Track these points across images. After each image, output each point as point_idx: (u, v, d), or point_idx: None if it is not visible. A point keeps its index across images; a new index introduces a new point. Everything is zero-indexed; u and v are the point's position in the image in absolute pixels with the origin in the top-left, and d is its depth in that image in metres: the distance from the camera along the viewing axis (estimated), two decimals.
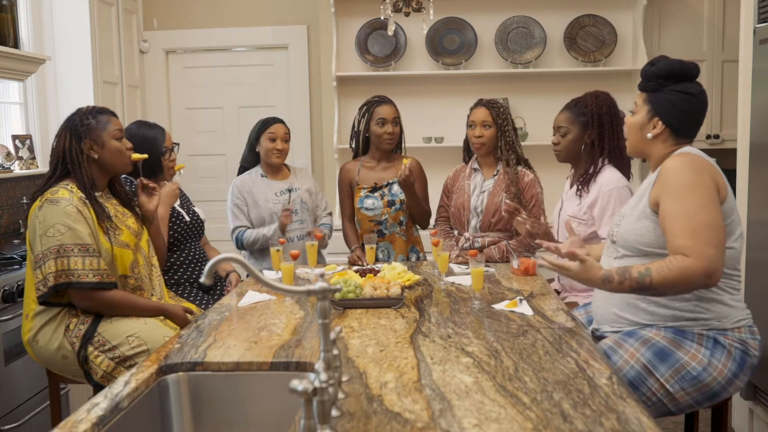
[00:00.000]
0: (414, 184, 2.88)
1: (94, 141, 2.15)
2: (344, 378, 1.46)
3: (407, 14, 2.66)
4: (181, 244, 2.70)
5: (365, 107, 3.04)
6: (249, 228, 3.11)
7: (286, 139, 3.15)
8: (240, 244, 3.09)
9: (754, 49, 2.66)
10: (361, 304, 2.09)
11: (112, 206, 2.23)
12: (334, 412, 1.27)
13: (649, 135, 1.91)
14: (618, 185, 2.47)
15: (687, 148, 1.88)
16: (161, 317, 2.17)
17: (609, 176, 2.51)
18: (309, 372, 1.60)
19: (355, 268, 2.65)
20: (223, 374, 1.62)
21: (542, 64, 4.40)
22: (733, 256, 1.83)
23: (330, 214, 3.35)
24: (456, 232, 3.02)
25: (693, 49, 4.29)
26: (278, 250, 2.63)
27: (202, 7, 4.86)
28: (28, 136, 3.72)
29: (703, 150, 1.94)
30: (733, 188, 1.92)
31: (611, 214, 2.43)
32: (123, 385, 1.48)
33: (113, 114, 2.24)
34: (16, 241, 3.32)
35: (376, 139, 3.01)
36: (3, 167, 3.47)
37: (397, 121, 3.01)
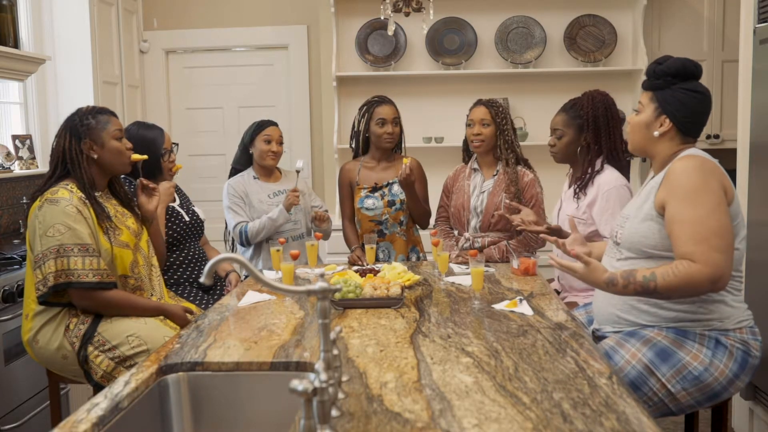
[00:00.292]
0: (414, 184, 2.88)
1: (94, 141, 2.15)
2: (344, 378, 1.45)
3: (407, 14, 2.66)
4: (181, 244, 2.70)
5: (365, 107, 3.04)
6: (249, 222, 3.09)
7: (281, 142, 3.15)
8: (245, 238, 3.05)
9: (754, 49, 2.66)
10: (361, 304, 2.09)
11: (112, 206, 2.23)
12: (334, 412, 1.27)
13: (656, 133, 1.90)
14: (617, 184, 2.47)
15: (693, 150, 1.88)
16: (161, 317, 2.17)
17: (608, 176, 2.51)
18: (309, 372, 1.60)
19: (355, 268, 2.65)
20: (223, 374, 1.62)
21: (542, 64, 4.40)
22: (736, 257, 1.83)
23: (326, 211, 3.34)
24: (456, 232, 3.03)
25: (693, 49, 4.29)
26: (278, 250, 2.64)
27: (202, 7, 4.86)
28: (28, 136, 3.72)
29: (703, 150, 1.94)
30: None
31: (611, 213, 2.43)
32: (123, 385, 1.48)
33: (113, 114, 2.24)
34: (16, 241, 3.32)
35: (376, 139, 3.01)
36: (3, 167, 3.47)
37: (397, 121, 3.01)
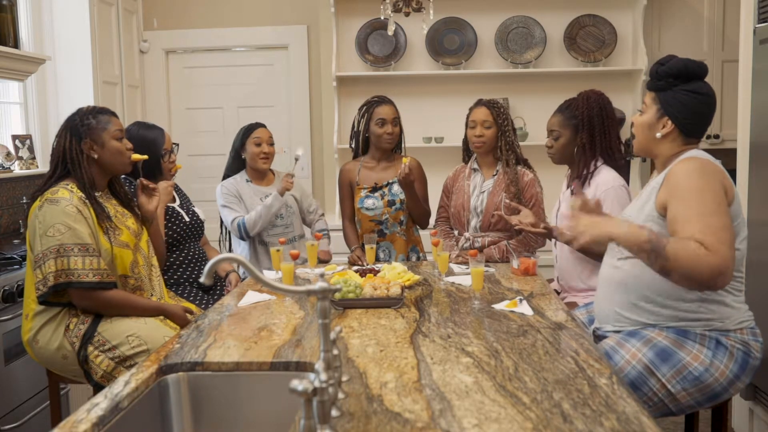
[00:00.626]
0: (414, 183, 2.88)
1: (95, 141, 2.15)
2: (344, 378, 1.45)
3: (407, 14, 2.66)
4: (181, 244, 2.70)
5: (365, 107, 3.04)
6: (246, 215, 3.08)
7: (271, 143, 3.15)
8: (244, 231, 3.02)
9: (754, 49, 2.66)
10: (361, 304, 2.09)
11: (112, 206, 2.23)
12: (334, 412, 1.27)
13: (658, 134, 1.90)
14: (614, 184, 2.48)
15: (694, 152, 1.87)
16: (161, 317, 2.17)
17: (605, 176, 2.51)
18: (309, 372, 1.60)
19: (355, 268, 2.65)
20: (223, 374, 1.62)
21: (542, 64, 4.40)
22: (738, 258, 1.83)
23: (323, 215, 3.36)
24: (456, 233, 3.03)
25: (693, 49, 4.29)
26: (278, 250, 2.64)
27: (202, 7, 4.86)
28: (28, 136, 3.72)
29: (703, 150, 1.94)
30: None
31: (608, 213, 2.43)
32: (123, 385, 1.48)
33: (114, 114, 2.24)
34: (16, 241, 3.32)
35: (375, 139, 3.01)
36: (3, 167, 3.47)
37: (396, 121, 3.01)
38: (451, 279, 2.48)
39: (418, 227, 3.14)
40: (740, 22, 2.76)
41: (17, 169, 3.58)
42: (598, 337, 2.02)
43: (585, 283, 2.55)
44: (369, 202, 3.02)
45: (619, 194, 2.45)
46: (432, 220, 3.17)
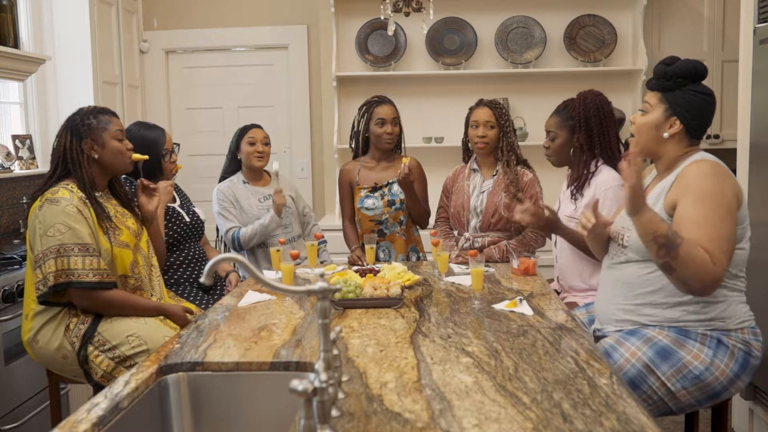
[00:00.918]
0: (413, 183, 2.88)
1: (95, 141, 2.15)
2: (344, 378, 1.45)
3: (407, 14, 2.66)
4: (181, 245, 2.70)
5: (365, 107, 3.04)
6: (242, 227, 3.11)
7: (266, 143, 3.17)
8: (237, 244, 3.08)
9: (754, 49, 2.66)
10: (361, 304, 2.09)
11: (112, 206, 2.23)
12: (334, 412, 1.27)
13: (666, 134, 1.90)
14: (614, 184, 2.47)
15: (703, 154, 1.88)
16: (161, 317, 2.17)
17: (605, 176, 2.51)
18: (309, 372, 1.60)
19: (355, 268, 2.65)
20: (223, 374, 1.62)
21: (542, 64, 4.40)
22: (741, 258, 1.84)
23: (316, 224, 3.41)
24: (456, 233, 3.03)
25: (693, 49, 4.29)
26: (278, 250, 2.64)
27: (202, 7, 4.85)
28: (28, 136, 3.72)
29: (703, 150, 1.94)
30: None
31: (607, 213, 2.43)
32: (123, 385, 1.48)
33: (114, 114, 2.24)
34: (16, 241, 3.32)
35: (375, 139, 3.01)
36: (3, 167, 3.47)
37: (396, 121, 3.01)
38: (451, 279, 2.48)
39: (417, 227, 3.14)
40: (740, 22, 2.76)
41: (17, 169, 3.58)
42: (599, 338, 2.02)
43: (585, 282, 2.55)
44: (369, 202, 3.02)
45: (618, 194, 2.45)
46: (432, 220, 3.17)
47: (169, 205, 2.69)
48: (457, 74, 4.40)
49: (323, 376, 1.18)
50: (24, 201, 3.60)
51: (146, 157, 2.43)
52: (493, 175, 2.93)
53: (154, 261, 2.35)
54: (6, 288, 2.61)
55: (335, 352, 1.25)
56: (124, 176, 2.48)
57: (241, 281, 2.82)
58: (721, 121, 4.37)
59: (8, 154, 3.52)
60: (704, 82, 1.94)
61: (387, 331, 1.82)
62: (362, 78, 4.45)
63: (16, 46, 3.47)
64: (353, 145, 3.14)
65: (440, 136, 4.39)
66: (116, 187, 2.30)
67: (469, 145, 3.00)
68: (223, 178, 3.24)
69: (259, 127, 3.20)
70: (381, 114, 2.98)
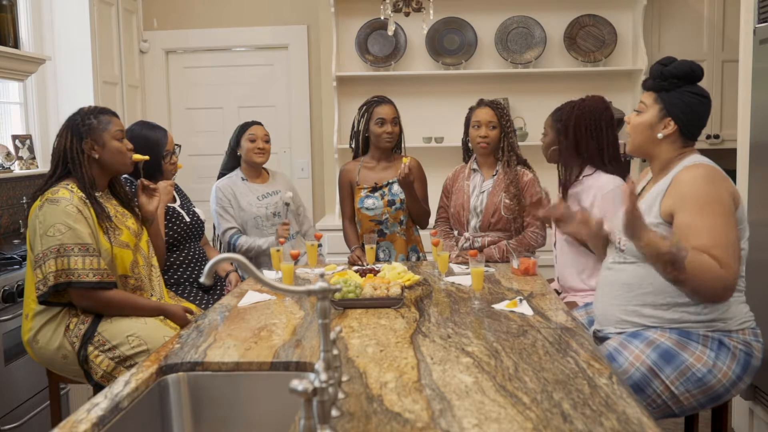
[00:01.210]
0: (413, 183, 2.88)
1: (95, 141, 2.15)
2: (344, 378, 1.45)
3: (407, 14, 2.66)
4: (181, 245, 2.70)
5: (365, 107, 3.05)
6: (239, 230, 3.12)
7: (267, 140, 3.17)
8: (233, 248, 3.10)
9: (754, 49, 2.66)
10: (361, 304, 2.09)
11: (112, 206, 2.23)
12: (334, 412, 1.27)
13: (660, 135, 1.90)
14: (614, 185, 2.48)
15: (697, 157, 1.87)
16: (161, 317, 2.17)
17: (603, 180, 2.51)
18: (309, 372, 1.60)
19: (355, 268, 2.65)
20: (223, 374, 1.62)
21: (542, 64, 4.40)
22: (742, 258, 1.83)
23: (312, 226, 3.43)
24: (456, 233, 3.03)
25: (693, 49, 4.29)
26: (278, 250, 2.64)
27: (202, 7, 4.85)
28: (28, 136, 3.72)
29: (703, 150, 1.94)
30: None
31: (611, 216, 2.43)
32: (123, 385, 1.48)
33: (115, 114, 2.24)
34: (16, 241, 3.32)
35: (375, 138, 3.02)
36: (3, 167, 3.47)
37: (396, 120, 3.01)
38: (451, 279, 2.48)
39: (418, 227, 3.15)
40: (740, 22, 2.76)
41: (17, 169, 3.58)
42: (599, 339, 2.02)
43: (585, 283, 2.55)
44: (369, 202, 3.02)
45: (619, 195, 2.45)
46: (432, 220, 3.17)
47: (169, 205, 2.69)
48: (457, 74, 4.40)
49: (323, 376, 1.18)
50: (24, 201, 3.61)
51: (147, 157, 2.43)
52: (493, 175, 2.93)
53: (154, 261, 2.35)
54: (6, 288, 2.61)
55: (335, 352, 1.25)
56: (124, 176, 2.48)
57: (242, 281, 2.82)
58: (721, 121, 4.37)
59: (8, 154, 3.52)
60: (704, 82, 1.93)
61: (387, 331, 1.82)
62: (362, 78, 4.45)
63: (16, 46, 3.47)
64: (353, 145, 3.14)
65: (440, 136, 4.39)
66: (116, 187, 2.30)
67: (470, 144, 3.00)
68: (221, 175, 3.25)
69: (260, 124, 3.22)
70: (381, 114, 2.98)
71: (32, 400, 2.73)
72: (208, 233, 3.12)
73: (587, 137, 2.52)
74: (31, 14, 3.78)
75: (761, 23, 2.62)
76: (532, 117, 4.40)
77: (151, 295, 2.26)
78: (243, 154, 3.17)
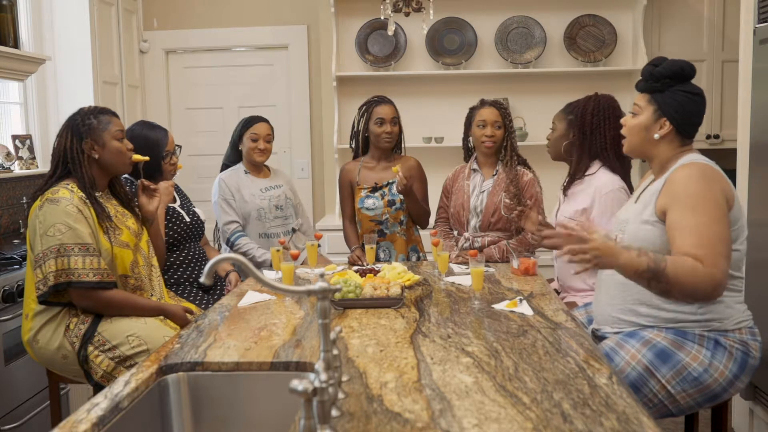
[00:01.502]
0: (412, 189, 2.89)
1: (95, 141, 2.15)
2: (344, 378, 1.46)
3: (407, 14, 2.66)
4: (181, 245, 2.69)
5: (364, 107, 3.05)
6: (240, 225, 3.11)
7: (269, 140, 3.17)
8: (230, 245, 3.09)
9: (754, 49, 2.66)
10: (361, 304, 2.09)
11: (112, 206, 2.23)
12: (334, 412, 1.27)
13: (657, 135, 1.90)
14: (613, 187, 2.48)
15: (693, 156, 1.88)
16: (161, 317, 2.17)
17: (604, 179, 2.52)
18: (309, 372, 1.60)
19: (355, 268, 2.65)
20: (223, 374, 1.62)
21: (542, 64, 4.40)
22: (737, 258, 1.83)
23: (310, 226, 3.43)
24: (455, 233, 3.03)
25: (693, 49, 4.29)
26: (278, 250, 2.64)
27: (202, 7, 4.85)
28: (28, 136, 3.72)
29: (703, 150, 1.94)
30: None
31: (609, 217, 2.43)
32: (123, 385, 1.48)
33: (115, 114, 2.24)
34: (16, 241, 3.32)
35: (374, 138, 3.02)
36: (3, 167, 3.47)
37: (395, 120, 3.01)
38: (451, 279, 2.48)
39: (418, 227, 3.15)
40: (740, 22, 2.76)
41: (17, 169, 3.58)
42: (597, 338, 2.02)
43: (585, 282, 2.55)
44: (369, 202, 3.02)
45: (618, 197, 2.46)
46: (432, 221, 3.17)
47: (169, 205, 2.68)
48: (457, 74, 4.40)
49: (323, 376, 1.18)
50: (24, 201, 3.61)
51: (147, 158, 2.43)
52: (493, 175, 2.94)
53: (154, 261, 2.35)
54: (6, 288, 2.61)
55: (335, 352, 1.25)
56: (124, 176, 2.48)
57: (241, 281, 2.82)
58: (721, 121, 4.37)
59: (8, 154, 3.52)
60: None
61: (387, 331, 1.82)
62: (362, 78, 4.45)
63: (16, 46, 3.47)
64: (353, 145, 3.14)
65: (440, 136, 4.39)
66: (116, 187, 2.30)
67: (470, 144, 3.00)
68: (225, 166, 3.25)
69: (264, 121, 3.18)
70: (380, 113, 2.98)
71: (32, 400, 2.73)
72: (209, 233, 3.12)
73: (597, 131, 2.53)
74: (31, 14, 3.78)
75: (761, 23, 2.62)
76: (532, 117, 4.40)
77: (152, 295, 2.26)
78: (244, 151, 3.17)
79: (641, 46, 4.23)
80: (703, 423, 2.60)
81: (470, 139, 3.00)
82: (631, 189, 2.53)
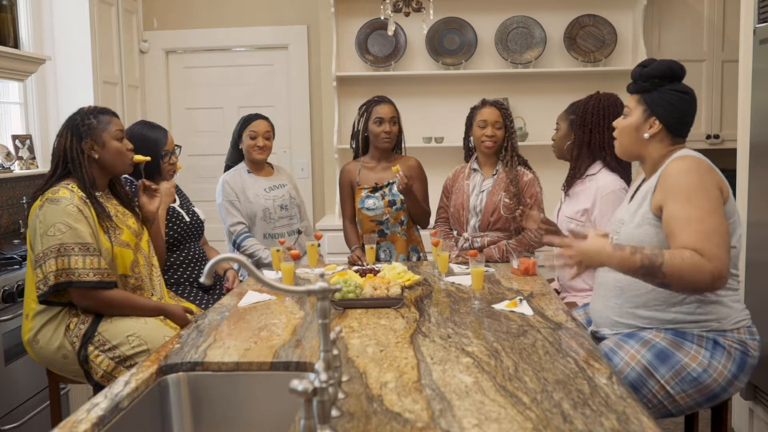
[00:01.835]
0: (412, 189, 2.89)
1: (95, 141, 2.15)
2: (344, 378, 1.46)
3: (407, 14, 2.66)
4: (181, 244, 2.70)
5: (365, 107, 3.05)
6: (246, 226, 3.11)
7: (268, 137, 3.16)
8: (236, 246, 3.10)
9: (754, 49, 2.66)
10: (361, 304, 2.09)
11: (113, 206, 2.23)
12: (334, 412, 1.27)
13: (646, 135, 1.91)
14: (614, 188, 2.49)
15: (685, 151, 1.88)
16: (161, 317, 2.17)
17: (605, 179, 2.52)
18: (309, 372, 1.60)
19: (355, 268, 2.65)
20: (223, 374, 1.62)
21: (542, 64, 4.40)
22: (733, 256, 1.83)
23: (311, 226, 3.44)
24: (455, 233, 3.03)
25: (693, 49, 4.28)
26: (278, 250, 2.64)
27: (202, 7, 4.85)
28: (28, 136, 3.72)
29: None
30: (733, 188, 1.92)
31: (610, 217, 2.43)
32: (123, 385, 1.48)
33: (115, 114, 2.24)
34: (16, 241, 3.32)
35: (374, 138, 3.02)
36: (3, 167, 3.47)
37: (395, 120, 3.01)
38: (451, 279, 2.48)
39: (418, 227, 3.15)
40: (740, 22, 2.76)
41: (17, 169, 3.58)
42: (596, 339, 2.02)
43: (585, 282, 2.55)
44: (369, 203, 3.02)
45: (620, 197, 2.46)
46: (432, 221, 3.17)
47: (169, 204, 2.68)
48: (457, 74, 4.40)
49: (323, 376, 1.18)
50: (24, 201, 3.61)
51: (148, 158, 2.43)
52: (493, 175, 2.94)
53: (155, 261, 2.35)
54: (6, 288, 2.61)
55: (335, 352, 1.26)
56: (124, 176, 2.48)
57: (240, 280, 2.83)
58: (721, 121, 4.37)
59: (8, 154, 3.52)
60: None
61: (387, 331, 1.82)
62: (362, 78, 4.45)
63: (16, 46, 3.47)
64: (353, 145, 3.14)
65: (440, 136, 4.39)
66: (116, 187, 2.30)
67: (471, 144, 3.00)
68: (228, 167, 3.25)
69: (263, 118, 3.17)
70: (379, 113, 2.98)
71: (32, 400, 2.73)
72: (209, 233, 3.12)
73: (597, 129, 2.53)
74: (31, 14, 3.78)
75: (761, 23, 2.62)
76: (532, 117, 4.40)
77: (152, 295, 2.26)
78: (244, 149, 3.17)
79: (641, 46, 4.23)
80: (703, 423, 2.60)
81: (471, 138, 3.00)
82: None
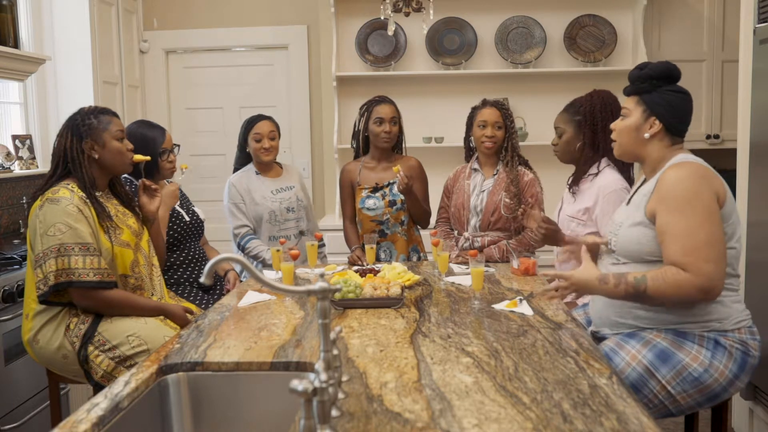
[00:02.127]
0: (412, 189, 2.89)
1: (95, 141, 2.15)
2: (344, 378, 1.46)
3: (407, 14, 2.66)
4: (181, 244, 2.70)
5: (365, 107, 3.05)
6: (251, 229, 3.12)
7: (273, 137, 3.14)
8: (240, 247, 3.10)
9: (754, 49, 2.66)
10: (361, 304, 2.09)
11: (113, 206, 2.23)
12: (334, 412, 1.27)
13: (647, 135, 1.91)
14: (616, 187, 2.48)
15: (683, 156, 1.88)
16: (161, 317, 2.17)
17: (607, 179, 2.51)
18: (309, 372, 1.60)
19: (355, 268, 2.65)
20: (223, 374, 1.62)
21: (542, 64, 4.40)
22: (732, 257, 1.83)
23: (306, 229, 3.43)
24: (456, 233, 3.03)
25: (693, 49, 4.28)
26: (278, 250, 2.64)
27: (202, 7, 4.85)
28: (28, 136, 3.72)
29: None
30: (732, 188, 1.92)
31: (610, 216, 2.43)
32: (123, 385, 1.48)
33: (115, 114, 2.24)
34: (16, 241, 3.32)
35: (374, 138, 3.02)
36: (3, 167, 3.47)
37: (395, 120, 3.01)
38: (451, 279, 2.48)
39: (418, 227, 3.15)
40: (740, 22, 2.76)
41: (17, 169, 3.58)
42: (596, 339, 2.02)
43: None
44: (370, 203, 3.02)
45: (621, 197, 2.45)
46: (432, 221, 3.17)
47: (172, 206, 2.68)
48: (457, 74, 4.40)
49: (323, 376, 1.18)
50: (24, 201, 3.61)
51: (148, 158, 2.43)
52: (494, 175, 2.94)
53: (155, 260, 2.35)
54: (6, 288, 2.61)
55: (335, 352, 1.26)
56: (124, 176, 2.48)
57: (241, 280, 2.83)
58: (721, 121, 4.36)
59: (8, 154, 3.52)
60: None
61: (387, 331, 1.82)
62: (362, 78, 4.45)
63: (16, 46, 3.47)
64: (354, 145, 3.14)
65: (440, 136, 4.40)
66: (116, 187, 2.30)
67: (472, 144, 3.00)
68: (236, 169, 3.25)
69: (266, 118, 3.16)
70: (380, 113, 2.98)
71: (32, 400, 2.73)
72: (209, 233, 3.12)
73: (604, 127, 2.52)
74: (31, 14, 3.78)
75: (761, 23, 2.62)
76: (532, 117, 4.40)
77: (152, 295, 2.26)
78: (251, 152, 3.16)
79: (641, 46, 4.23)
80: (703, 423, 2.60)
81: (471, 138, 3.00)
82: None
